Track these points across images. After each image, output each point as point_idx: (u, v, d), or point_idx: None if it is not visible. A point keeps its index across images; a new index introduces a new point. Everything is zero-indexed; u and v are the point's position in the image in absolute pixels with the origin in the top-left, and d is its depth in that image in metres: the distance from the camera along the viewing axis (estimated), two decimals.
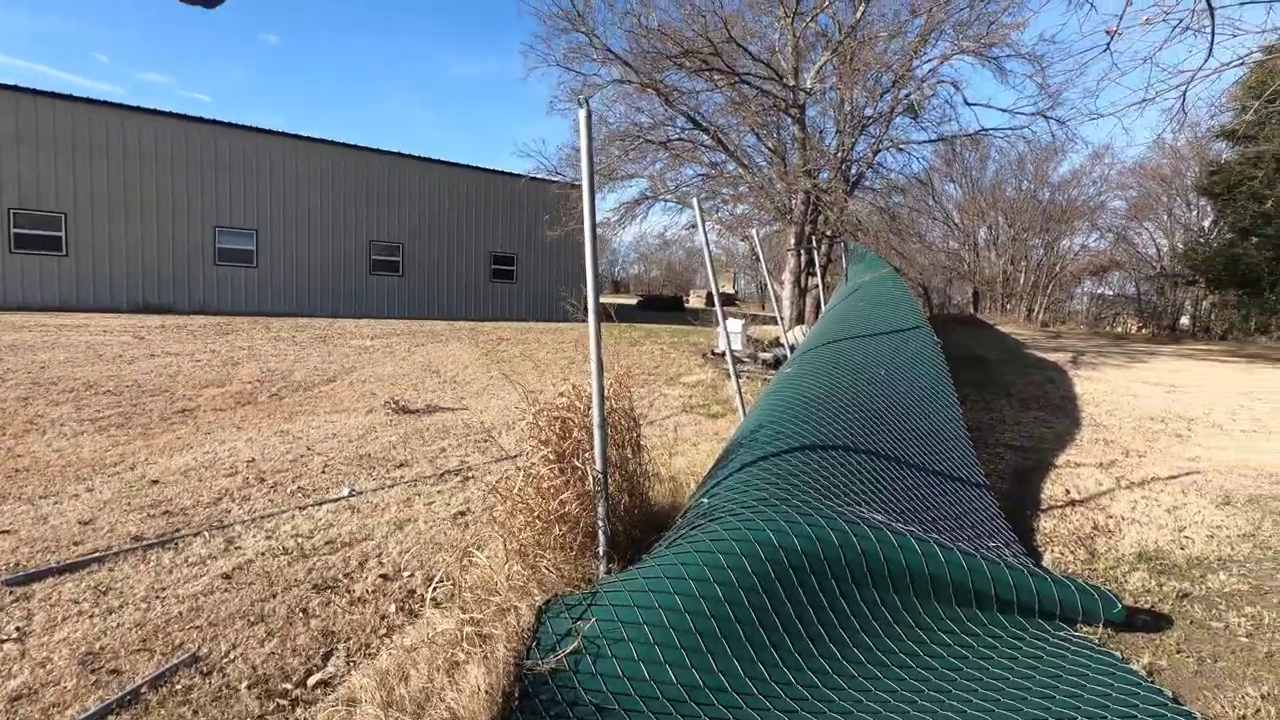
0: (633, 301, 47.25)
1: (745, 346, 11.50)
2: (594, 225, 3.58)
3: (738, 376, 10.36)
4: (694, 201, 6.50)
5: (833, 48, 14.34)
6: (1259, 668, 2.84)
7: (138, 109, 17.93)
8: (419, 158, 22.49)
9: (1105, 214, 36.64)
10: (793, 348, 11.98)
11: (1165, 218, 34.40)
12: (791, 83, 14.69)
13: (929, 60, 14.82)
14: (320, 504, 4.52)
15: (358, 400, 8.16)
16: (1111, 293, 44.86)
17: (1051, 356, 17.22)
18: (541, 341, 15.33)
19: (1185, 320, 34.35)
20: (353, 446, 6.05)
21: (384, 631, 3.16)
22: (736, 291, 66.69)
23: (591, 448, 3.73)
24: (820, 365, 6.16)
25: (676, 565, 3.08)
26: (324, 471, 5.25)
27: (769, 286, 11.04)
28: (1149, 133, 37.63)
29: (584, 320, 3.67)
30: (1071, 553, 4.21)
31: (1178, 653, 2.97)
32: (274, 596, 3.38)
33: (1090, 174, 34.89)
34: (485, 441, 6.50)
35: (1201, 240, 23.89)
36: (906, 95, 15.85)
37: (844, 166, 16.33)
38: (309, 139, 20.62)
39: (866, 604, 3.12)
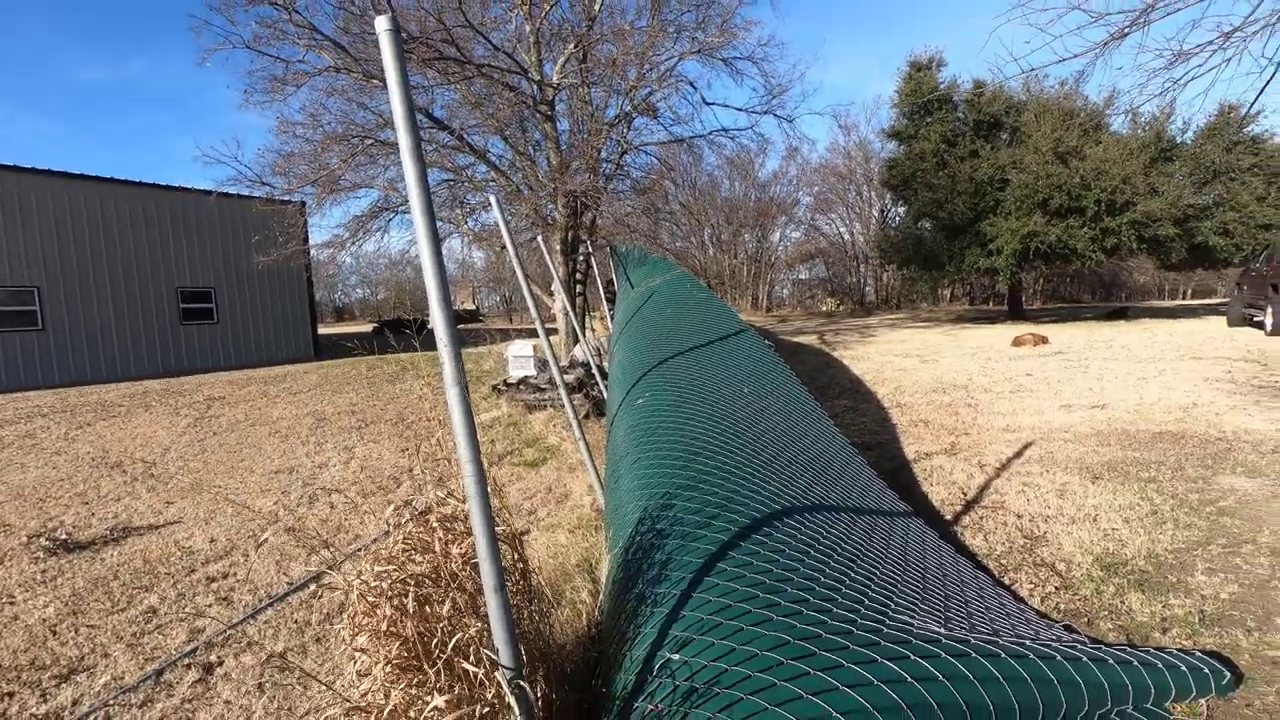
0: (367, 329, 42.51)
1: (541, 370, 10.05)
2: (429, 213, 1.92)
3: (550, 406, 8.86)
4: (493, 200, 4.94)
5: (576, 38, 13.46)
6: None
7: None
8: (52, 172, 16.84)
9: (800, 208, 41.86)
10: (585, 364, 10.84)
11: (844, 209, 40.31)
12: (537, 77, 13.51)
13: (668, 58, 14.71)
14: None
15: None
16: (808, 276, 51.81)
17: (802, 340, 18.53)
18: (271, 395, 12.15)
19: (870, 293, 40.70)
20: None
21: None
22: (478, 306, 64.24)
23: (475, 618, 2.11)
24: (681, 389, 5.04)
25: None
26: None
27: (559, 298, 9.72)
28: (829, 136, 43.85)
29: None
30: (1039, 577, 3.62)
31: None
32: None
33: (787, 174, 39.48)
34: (226, 579, 4.22)
35: (893, 226, 28.11)
36: (647, 94, 15.65)
37: (597, 167, 15.64)
38: None
39: None
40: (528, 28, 13.46)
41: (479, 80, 12.41)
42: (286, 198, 15.77)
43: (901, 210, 28.18)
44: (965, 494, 5.06)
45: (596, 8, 13.73)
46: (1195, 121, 19.85)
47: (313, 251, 17.56)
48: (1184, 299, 42.39)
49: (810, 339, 18.50)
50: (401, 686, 1.95)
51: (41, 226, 16.57)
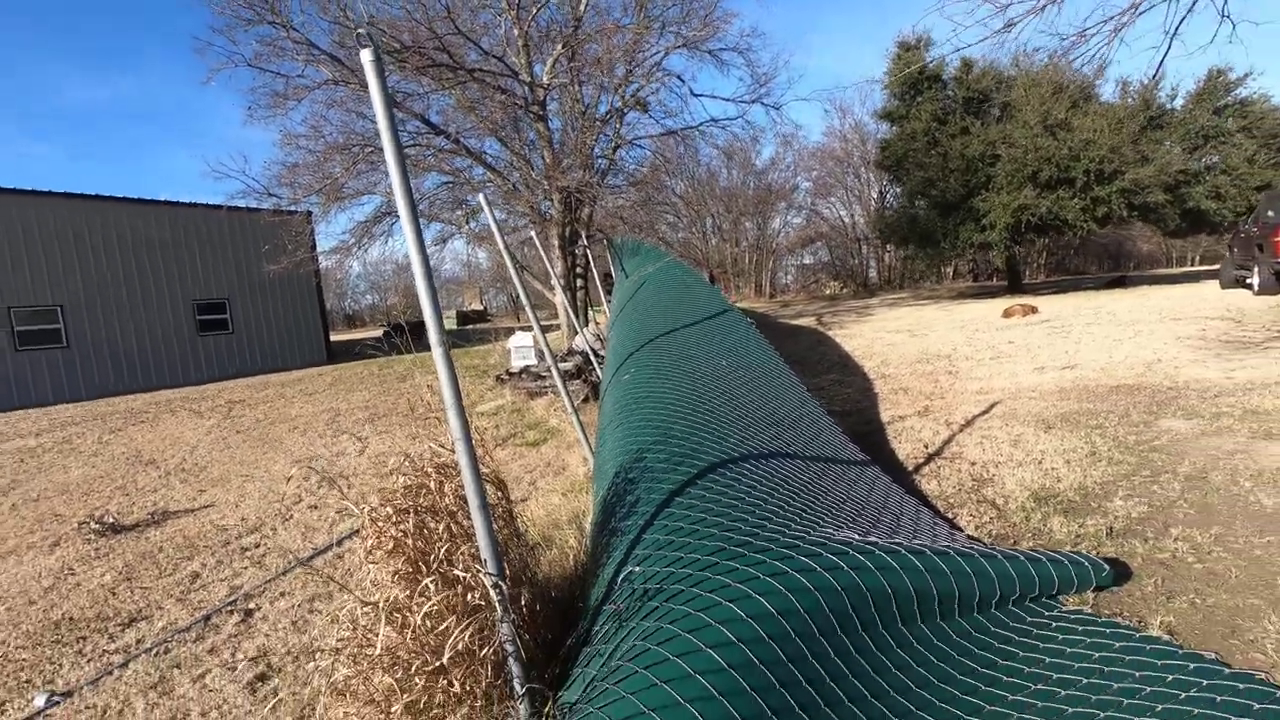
0: (377, 334, 43.16)
1: (541, 359, 10.53)
2: (410, 200, 2.38)
3: (550, 392, 9.37)
4: (481, 199, 5.41)
5: (564, 39, 13.89)
6: (1244, 595, 2.72)
7: None
8: (69, 195, 17.51)
9: (799, 194, 42.05)
10: (583, 352, 11.30)
11: (844, 191, 40.45)
12: (527, 79, 13.96)
13: (654, 53, 15.11)
14: None
15: (32, 529, 5.62)
16: (811, 260, 51.96)
17: (800, 322, 18.90)
18: (288, 396, 12.73)
19: (873, 274, 40.91)
20: (38, 610, 3.93)
21: None
22: (485, 307, 64.81)
23: (467, 542, 2.58)
24: (663, 364, 5.50)
25: (656, 687, 2.10)
26: None
27: (559, 292, 10.20)
28: (823, 121, 43.93)
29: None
30: (979, 511, 4.04)
31: (1168, 599, 2.77)
32: None
33: (784, 160, 39.67)
34: (258, 548, 4.73)
35: (889, 207, 28.37)
36: (636, 90, 16.05)
37: (590, 163, 16.08)
38: None
39: (882, 651, 2.44)
40: (516, 31, 13.90)
41: (472, 85, 12.87)
42: (293, 208, 16.34)
43: (898, 191, 28.37)
44: (929, 448, 5.48)
45: (582, 8, 14.14)
46: (1184, 87, 19.98)
47: (321, 258, 18.16)
48: (1192, 265, 42.27)
49: (808, 321, 18.86)
50: (405, 592, 2.43)
51: (61, 247, 17.24)
